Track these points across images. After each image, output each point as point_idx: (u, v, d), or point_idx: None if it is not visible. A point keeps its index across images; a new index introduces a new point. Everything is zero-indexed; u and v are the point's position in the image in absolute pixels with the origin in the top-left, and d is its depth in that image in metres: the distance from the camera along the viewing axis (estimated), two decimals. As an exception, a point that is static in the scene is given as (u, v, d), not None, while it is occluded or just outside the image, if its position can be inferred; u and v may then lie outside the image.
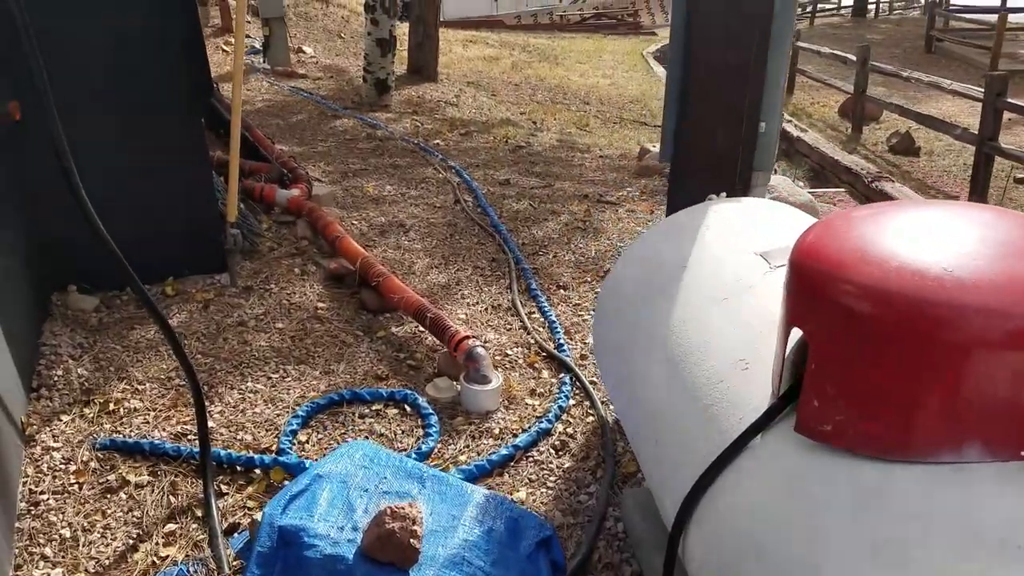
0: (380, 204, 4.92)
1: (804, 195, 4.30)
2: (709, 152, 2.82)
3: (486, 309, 3.53)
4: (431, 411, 2.59)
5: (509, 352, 3.12)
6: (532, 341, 3.20)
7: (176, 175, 3.27)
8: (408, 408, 2.65)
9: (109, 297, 3.24)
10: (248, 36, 10.62)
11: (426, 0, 9.54)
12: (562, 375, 2.92)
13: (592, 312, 3.50)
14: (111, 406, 2.55)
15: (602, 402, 2.71)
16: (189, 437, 2.43)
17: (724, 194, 2.05)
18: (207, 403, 2.63)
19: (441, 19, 10.46)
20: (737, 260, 1.65)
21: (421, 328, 3.10)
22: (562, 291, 3.75)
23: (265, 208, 4.28)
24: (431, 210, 4.84)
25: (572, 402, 2.75)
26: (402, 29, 10.52)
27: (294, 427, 2.48)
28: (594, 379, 2.92)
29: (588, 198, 5.22)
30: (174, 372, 2.77)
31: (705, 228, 1.81)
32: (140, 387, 2.68)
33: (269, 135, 6.07)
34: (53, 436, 2.38)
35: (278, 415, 2.59)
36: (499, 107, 9.63)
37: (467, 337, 2.78)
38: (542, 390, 2.84)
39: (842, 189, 7.47)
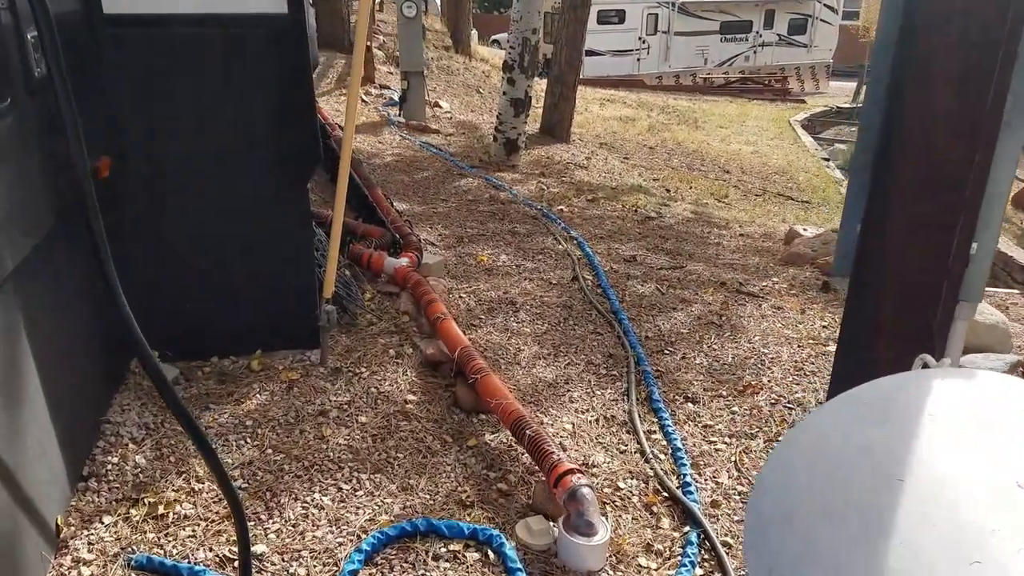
0: (492, 276, 4.55)
1: (994, 315, 3.51)
2: (901, 274, 2.20)
3: (597, 420, 3.01)
4: (518, 565, 2.09)
5: (622, 485, 2.58)
6: (651, 473, 2.65)
7: (275, 245, 3.03)
8: (491, 554, 2.17)
9: (191, 368, 3.01)
10: (388, 88, 10.85)
11: (565, 62, 9.32)
12: (687, 529, 2.35)
13: (727, 440, 2.90)
14: (160, 509, 2.24)
15: (735, 572, 2.12)
16: (235, 564, 2.07)
17: (947, 361, 1.46)
18: (266, 515, 2.28)
19: (580, 76, 10.20)
20: (984, 488, 1.07)
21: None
22: (690, 405, 3.17)
23: (371, 276, 4.01)
24: (546, 287, 4.41)
25: (699, 571, 2.17)
26: (540, 85, 10.35)
27: (355, 566, 2.07)
28: (727, 538, 2.33)
29: (726, 286, 4.60)
30: (237, 471, 2.45)
31: (924, 419, 1.24)
32: (197, 487, 2.36)
33: (391, 193, 5.92)
34: (89, 543, 2.09)
35: (340, 544, 2.19)
36: (631, 172, 9.20)
37: (571, 471, 2.28)
38: (660, 546, 2.28)
39: (1015, 291, 6.45)
